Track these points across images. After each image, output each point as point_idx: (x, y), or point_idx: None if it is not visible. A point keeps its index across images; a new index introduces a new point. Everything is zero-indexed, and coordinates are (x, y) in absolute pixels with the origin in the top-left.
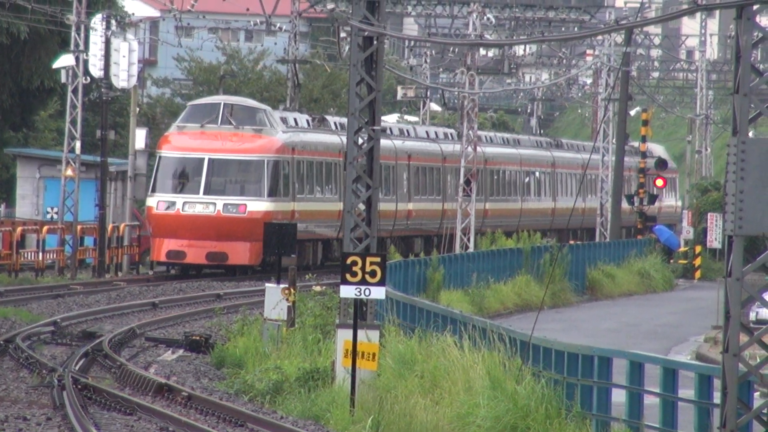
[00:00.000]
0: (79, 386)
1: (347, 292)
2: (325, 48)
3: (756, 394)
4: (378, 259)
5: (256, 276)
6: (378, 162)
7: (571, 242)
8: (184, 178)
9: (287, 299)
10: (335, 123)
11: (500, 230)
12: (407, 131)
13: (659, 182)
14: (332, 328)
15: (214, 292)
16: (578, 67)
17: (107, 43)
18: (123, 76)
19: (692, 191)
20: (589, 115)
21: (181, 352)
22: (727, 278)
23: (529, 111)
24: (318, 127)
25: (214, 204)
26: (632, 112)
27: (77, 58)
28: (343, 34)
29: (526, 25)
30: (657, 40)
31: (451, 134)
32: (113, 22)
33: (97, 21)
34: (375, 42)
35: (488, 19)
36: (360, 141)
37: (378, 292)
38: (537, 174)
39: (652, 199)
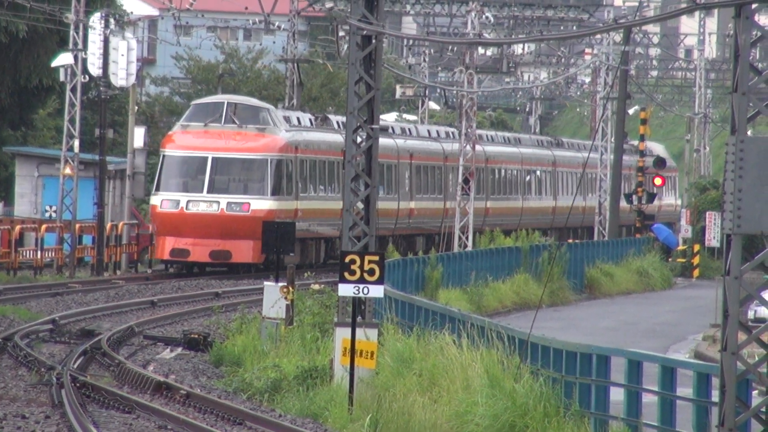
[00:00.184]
0: (78, 384)
1: (346, 290)
2: (323, 47)
3: (754, 393)
4: (376, 258)
5: (255, 274)
6: (377, 161)
7: (570, 241)
8: (188, 177)
9: (286, 297)
10: (338, 122)
11: (502, 229)
12: (409, 130)
13: (657, 181)
14: (331, 326)
15: (213, 290)
16: (577, 65)
17: (106, 41)
18: (121, 75)
19: (691, 190)
20: (588, 114)
21: (179, 350)
22: (726, 277)
23: (527, 110)
24: (321, 126)
25: (218, 202)
26: (631, 111)
27: (76, 57)
28: (341, 33)
29: (524, 24)
30: (656, 39)
31: (452, 133)
32: (112, 20)
33: (95, 19)
34: (374, 41)
35: (487, 17)
36: (359, 140)
37: (376, 291)
38: (538, 173)
39: (651, 197)
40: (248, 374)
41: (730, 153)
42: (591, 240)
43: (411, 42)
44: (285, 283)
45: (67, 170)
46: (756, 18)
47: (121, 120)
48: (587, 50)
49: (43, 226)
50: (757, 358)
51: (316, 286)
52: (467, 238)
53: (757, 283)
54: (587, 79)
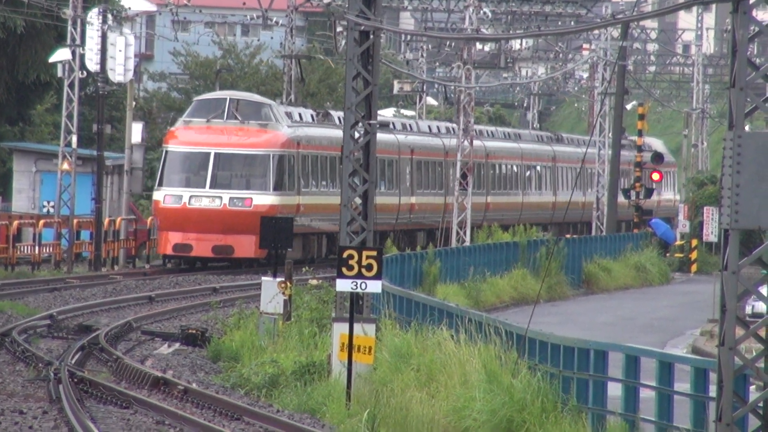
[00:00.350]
0: (76, 380)
1: (343, 285)
2: (321, 42)
3: (752, 388)
4: (374, 253)
5: (253, 270)
6: (375, 156)
7: (567, 236)
8: (191, 173)
9: (283, 293)
10: (339, 117)
11: (502, 224)
12: (410, 126)
13: (655, 176)
14: (328, 321)
15: (211, 285)
16: (575, 61)
17: (104, 37)
18: (119, 71)
19: (688, 185)
20: (586, 110)
21: (177, 345)
22: (724, 272)
23: (525, 105)
24: (322, 122)
25: (221, 198)
26: (628, 107)
27: (74, 53)
28: (339, 29)
29: (522, 20)
30: (653, 35)
31: (453, 129)
32: (109, 16)
33: (93, 15)
34: (371, 36)
35: (484, 13)
36: (357, 135)
37: (374, 286)
38: (538, 168)
39: (649, 192)
40: (246, 369)
41: (727, 148)
42: (589, 235)
43: (409, 37)
44: (283, 279)
45: (65, 166)
46: (754, 13)
47: (118, 115)
48: (585, 45)
49: (41, 222)
50: (754, 353)
51: (314, 282)
52: (465, 233)
53: (754, 279)
54: (585, 75)
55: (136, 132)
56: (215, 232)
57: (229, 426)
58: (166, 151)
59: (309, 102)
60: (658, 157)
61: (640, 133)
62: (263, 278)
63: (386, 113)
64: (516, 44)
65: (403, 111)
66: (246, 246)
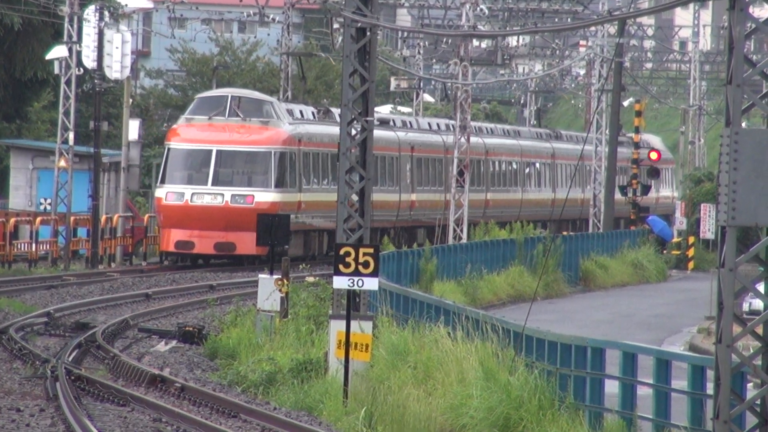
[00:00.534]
0: (73, 377)
1: (340, 283)
2: (318, 39)
3: (749, 385)
4: (371, 250)
5: (255, 266)
6: (371, 153)
7: (564, 233)
8: (193, 170)
9: (280, 290)
10: (339, 115)
11: (502, 220)
12: (410, 123)
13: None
14: (325, 319)
15: (208, 283)
16: (571, 57)
17: (100, 34)
18: (116, 68)
19: (685, 182)
20: (583, 106)
21: (174, 343)
22: (721, 269)
23: (522, 102)
24: (323, 119)
25: (222, 195)
26: (625, 103)
27: (70, 50)
28: (336, 26)
29: (519, 16)
30: (650, 31)
31: (452, 125)
32: (106, 13)
33: (90, 12)
34: (368, 33)
35: (481, 10)
36: (353, 132)
37: (371, 283)
38: (537, 165)
39: (645, 189)
40: (243, 367)
41: (724, 145)
42: (586, 232)
43: (405, 34)
44: (280, 276)
45: (62, 163)
46: (750, 10)
47: (115, 112)
48: (582, 42)
49: (38, 219)
50: (752, 351)
51: (311, 279)
52: (462, 230)
53: (752, 276)
54: (582, 72)
55: (132, 129)
56: (217, 230)
57: (226, 423)
58: (168, 149)
59: (306, 99)
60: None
61: (637, 130)
62: (260, 275)
63: (383, 110)
64: (513, 41)
65: (399, 108)
66: (248, 243)
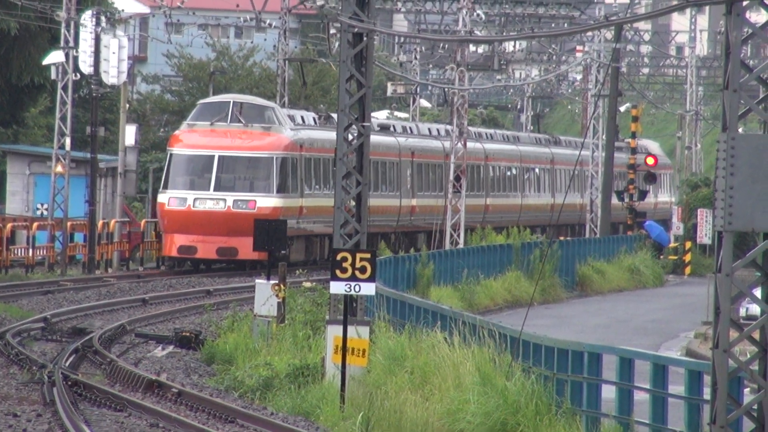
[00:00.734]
0: (70, 382)
1: (337, 288)
2: (314, 44)
3: (746, 390)
4: (368, 255)
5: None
6: (368, 158)
7: (561, 238)
8: (195, 175)
9: (277, 295)
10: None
11: (501, 225)
12: (410, 128)
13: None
14: (322, 324)
15: (204, 288)
16: (568, 63)
17: (97, 39)
18: (113, 73)
19: (682, 187)
20: (579, 111)
21: (171, 348)
22: (717, 274)
23: (519, 107)
24: (324, 125)
25: (225, 200)
26: (622, 109)
27: (67, 55)
28: (332, 31)
29: (515, 21)
30: (647, 36)
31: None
32: (103, 18)
33: (86, 17)
34: (365, 38)
35: (478, 15)
36: (350, 137)
37: (368, 288)
38: (536, 170)
39: (642, 195)
40: (240, 372)
41: (721, 150)
42: (583, 237)
43: (402, 39)
44: (276, 281)
45: (59, 168)
46: (747, 15)
47: (112, 118)
48: (578, 47)
49: (35, 224)
50: (748, 356)
51: (308, 284)
52: (459, 235)
53: (748, 281)
54: (578, 77)
55: (129, 134)
56: (219, 235)
57: (223, 429)
58: (171, 154)
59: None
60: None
61: (633, 135)
62: (257, 281)
63: (380, 115)
64: (509, 46)
65: (396, 113)
66: (250, 248)
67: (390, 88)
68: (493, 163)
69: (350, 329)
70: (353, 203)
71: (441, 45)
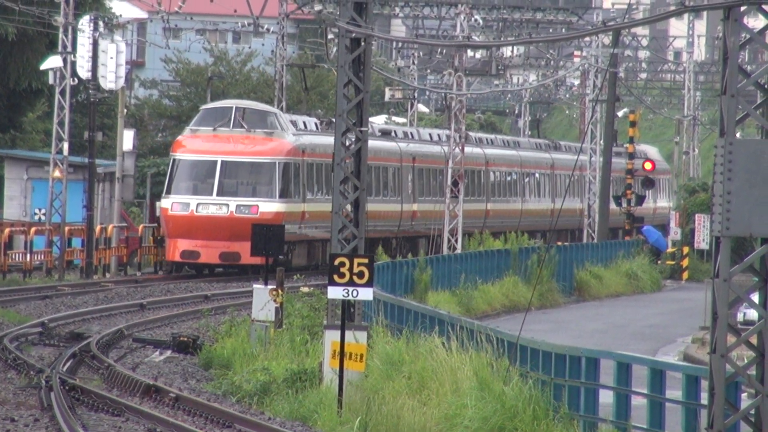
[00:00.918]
0: (67, 387)
1: (335, 293)
2: (312, 50)
3: (743, 395)
4: (366, 260)
5: (250, 277)
6: (366, 163)
7: (559, 243)
8: (198, 180)
9: (275, 300)
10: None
11: (502, 230)
12: (411, 134)
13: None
14: (320, 329)
15: (202, 293)
16: (566, 68)
17: (95, 44)
18: (111, 78)
19: (680, 192)
20: (577, 117)
21: (168, 353)
22: (715, 279)
23: (516, 112)
24: (326, 130)
25: (227, 205)
26: (620, 114)
27: (65, 60)
28: (330, 36)
29: (513, 27)
30: (645, 42)
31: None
32: (101, 23)
33: (84, 22)
34: (363, 43)
35: (476, 20)
36: (348, 142)
37: (366, 293)
38: (537, 175)
39: (640, 200)
40: (237, 377)
41: (719, 155)
42: (580, 242)
43: (400, 45)
44: (274, 286)
45: (57, 173)
46: (744, 20)
47: (110, 123)
48: (576, 53)
49: (33, 229)
50: (746, 361)
51: (306, 289)
52: (457, 240)
53: (746, 286)
54: (576, 82)
55: (127, 139)
56: (222, 239)
57: None
58: (174, 160)
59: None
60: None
61: (631, 140)
62: (255, 285)
63: (377, 120)
64: (507, 51)
65: (394, 118)
66: None
67: (388, 93)
68: (494, 168)
69: (348, 334)
70: (351, 208)
71: (439, 50)
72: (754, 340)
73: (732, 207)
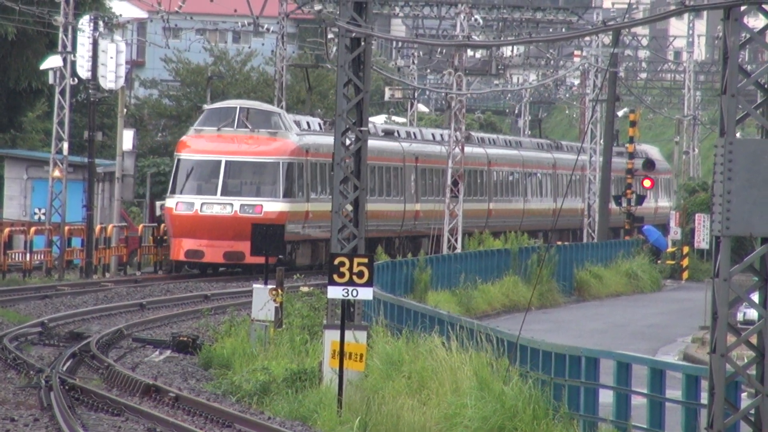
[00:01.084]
0: (67, 387)
1: (335, 292)
2: (312, 49)
3: (743, 395)
4: (365, 260)
5: (245, 277)
6: (365, 163)
7: (559, 243)
8: (202, 180)
9: (275, 300)
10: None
11: (504, 230)
12: (414, 134)
13: (647, 183)
14: (320, 328)
15: (202, 293)
16: (566, 68)
17: (95, 44)
18: (110, 78)
19: (680, 192)
20: (577, 116)
21: (168, 352)
22: (715, 279)
23: (516, 112)
24: (329, 130)
25: (231, 205)
26: (620, 113)
27: (65, 60)
28: (330, 35)
29: (513, 26)
30: (645, 41)
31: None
32: (101, 23)
33: (84, 22)
34: (362, 43)
35: (476, 20)
36: (347, 142)
37: (365, 293)
38: (539, 175)
39: (640, 200)
40: (237, 377)
41: (719, 155)
42: (580, 242)
43: (400, 44)
44: (274, 286)
45: (56, 173)
46: (745, 20)
47: (110, 122)
48: (576, 52)
49: (32, 229)
50: (746, 360)
51: (305, 289)
52: (456, 240)
53: (746, 286)
54: (576, 81)
55: (127, 139)
56: (226, 239)
57: None
58: (178, 159)
59: (300, 109)
60: (649, 164)
61: (631, 140)
62: (254, 285)
63: (377, 120)
64: (507, 51)
65: (394, 118)
66: None
67: (388, 93)
68: (496, 168)
69: (348, 334)
70: (351, 208)
71: (439, 50)
72: (754, 340)
73: (732, 207)
